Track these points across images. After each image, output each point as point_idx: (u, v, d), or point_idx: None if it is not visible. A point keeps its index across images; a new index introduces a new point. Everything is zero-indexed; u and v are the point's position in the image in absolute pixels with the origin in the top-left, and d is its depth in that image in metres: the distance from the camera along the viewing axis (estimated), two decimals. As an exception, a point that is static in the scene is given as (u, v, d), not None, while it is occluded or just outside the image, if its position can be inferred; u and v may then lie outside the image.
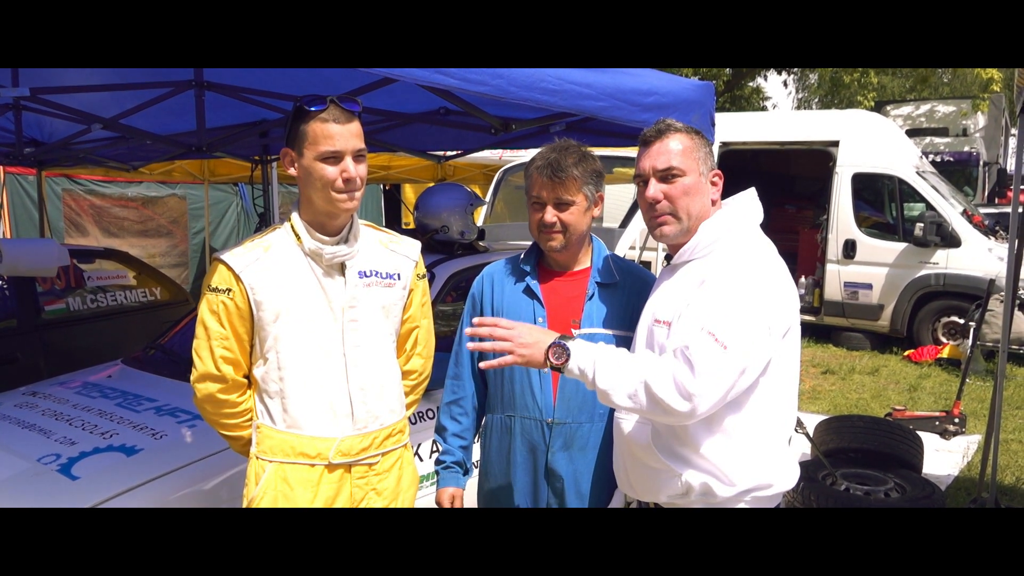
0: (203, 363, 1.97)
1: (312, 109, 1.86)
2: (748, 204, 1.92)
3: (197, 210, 10.32)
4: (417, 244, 2.21)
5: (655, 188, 1.89)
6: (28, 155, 5.46)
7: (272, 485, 1.97)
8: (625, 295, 2.18)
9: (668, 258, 1.94)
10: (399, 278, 2.11)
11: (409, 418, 2.25)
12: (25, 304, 4.93)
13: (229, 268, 1.93)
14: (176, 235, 10.39)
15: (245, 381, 2.03)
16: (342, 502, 2.02)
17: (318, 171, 1.87)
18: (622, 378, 1.68)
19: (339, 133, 1.86)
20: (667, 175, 1.89)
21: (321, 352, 1.98)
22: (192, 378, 2.01)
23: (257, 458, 2.01)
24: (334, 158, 1.87)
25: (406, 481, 2.16)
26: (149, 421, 2.85)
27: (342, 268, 2.00)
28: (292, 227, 1.99)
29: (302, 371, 1.97)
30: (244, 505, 2.02)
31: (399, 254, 2.14)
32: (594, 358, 1.72)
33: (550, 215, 2.12)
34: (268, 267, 1.95)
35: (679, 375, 1.64)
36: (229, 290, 1.93)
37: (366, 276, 2.03)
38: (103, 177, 9.15)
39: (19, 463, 2.60)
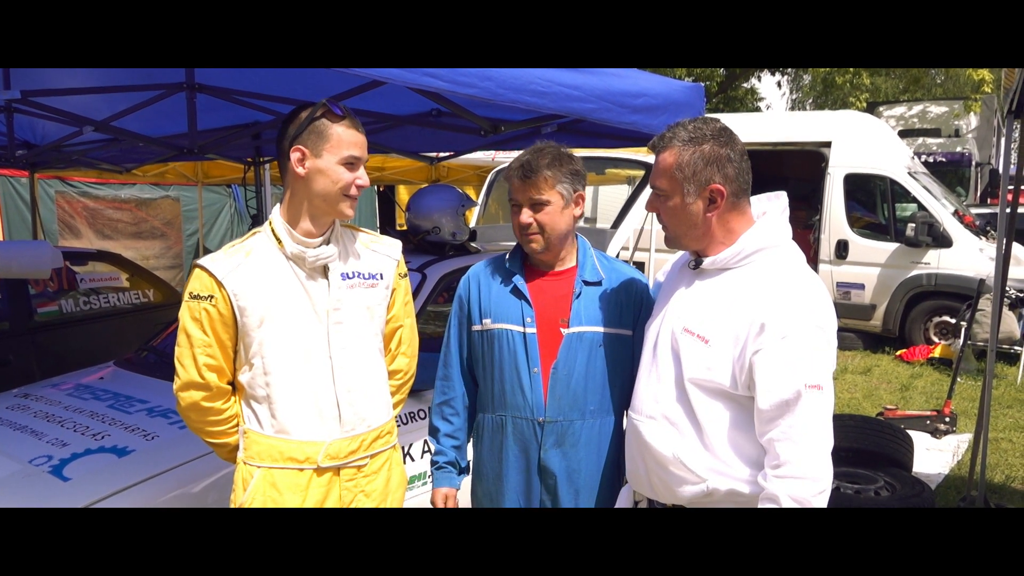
0: (186, 371, 1.96)
1: (338, 113, 1.91)
2: (785, 214, 1.90)
3: (191, 212, 10.32)
4: (398, 243, 2.21)
5: (651, 202, 1.91)
6: (20, 157, 5.46)
7: (261, 490, 1.96)
8: (612, 292, 2.20)
9: (697, 263, 1.89)
10: (382, 278, 2.12)
11: (399, 418, 2.25)
12: (18, 306, 4.93)
13: (211, 275, 1.92)
14: (170, 237, 10.39)
15: (229, 388, 2.02)
16: (331, 505, 2.02)
17: (336, 173, 1.90)
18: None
19: (360, 142, 1.94)
20: (656, 193, 1.89)
21: (307, 356, 1.97)
22: (175, 387, 1.99)
23: (245, 463, 2.00)
24: (352, 164, 1.92)
25: (395, 482, 2.17)
26: (141, 422, 2.85)
27: (325, 271, 2.00)
28: (273, 231, 1.99)
29: (288, 375, 1.96)
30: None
31: (381, 254, 2.14)
32: None
33: (526, 216, 2.14)
34: (250, 272, 1.94)
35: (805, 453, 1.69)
36: (211, 296, 1.92)
37: (349, 278, 2.03)
38: (97, 179, 9.15)
39: (10, 464, 2.60)
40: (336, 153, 1.90)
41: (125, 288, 5.74)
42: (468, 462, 2.36)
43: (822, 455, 1.70)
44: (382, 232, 2.31)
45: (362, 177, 1.95)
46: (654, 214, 1.94)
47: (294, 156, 1.92)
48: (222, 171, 8.54)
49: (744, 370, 1.74)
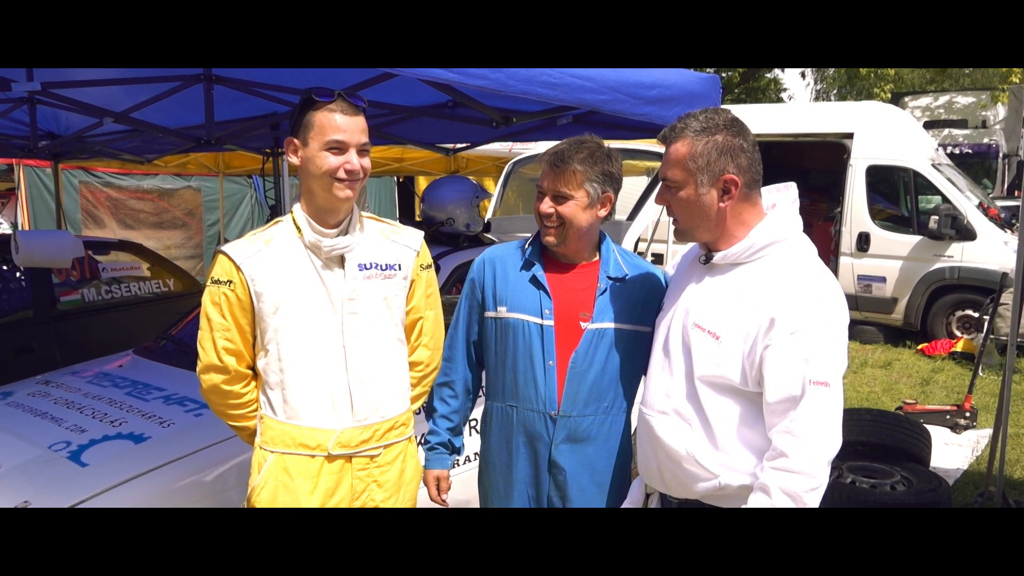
0: (206, 354, 2.01)
1: (320, 100, 1.91)
2: (795, 205, 1.89)
3: (212, 202, 10.42)
4: (419, 234, 2.21)
5: (661, 195, 1.90)
6: (43, 148, 5.53)
7: (273, 475, 2.00)
8: (635, 289, 2.18)
9: (708, 258, 1.88)
10: (399, 268, 2.12)
11: (417, 410, 2.26)
12: (41, 295, 5.00)
13: (230, 260, 1.97)
14: (191, 227, 10.50)
15: (249, 372, 2.06)
16: (342, 493, 2.03)
17: (321, 159, 1.91)
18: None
19: (346, 125, 1.91)
20: (667, 184, 1.87)
21: (321, 344, 2.00)
22: (197, 369, 2.05)
23: (260, 448, 2.04)
24: (339, 148, 1.91)
25: (408, 474, 2.17)
26: (157, 410, 2.90)
27: (341, 260, 2.02)
28: (294, 220, 2.02)
29: (302, 363, 1.99)
30: (247, 493, 2.05)
31: (400, 244, 2.15)
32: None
33: (547, 205, 2.12)
34: (268, 259, 1.98)
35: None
36: (230, 282, 1.97)
37: (366, 268, 2.05)
38: (119, 170, 9.27)
39: (30, 449, 2.66)
40: (319, 139, 1.91)
41: (146, 277, 5.80)
42: (463, 444, 2.36)
43: (821, 452, 1.69)
44: (401, 223, 2.32)
45: (351, 161, 1.92)
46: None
47: (288, 148, 1.96)
48: (243, 161, 8.60)
49: (754, 366, 1.74)
